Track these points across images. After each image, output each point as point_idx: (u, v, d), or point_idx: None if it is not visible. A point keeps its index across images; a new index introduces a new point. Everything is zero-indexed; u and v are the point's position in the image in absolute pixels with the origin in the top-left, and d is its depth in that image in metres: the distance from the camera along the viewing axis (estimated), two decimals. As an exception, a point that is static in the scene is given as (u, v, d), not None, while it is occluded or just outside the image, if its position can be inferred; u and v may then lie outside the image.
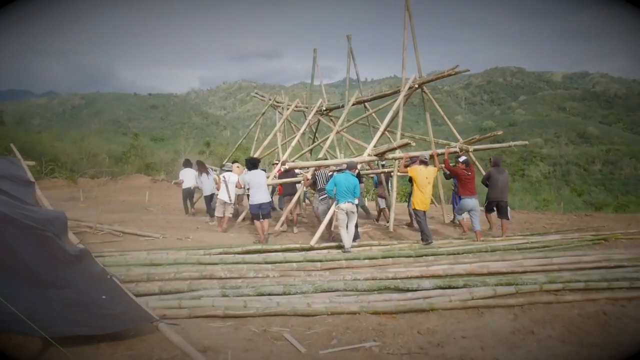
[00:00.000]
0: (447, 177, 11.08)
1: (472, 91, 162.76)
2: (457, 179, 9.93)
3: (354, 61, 13.71)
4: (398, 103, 11.13)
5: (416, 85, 11.91)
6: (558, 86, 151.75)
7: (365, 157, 10.09)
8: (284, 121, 15.74)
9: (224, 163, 14.35)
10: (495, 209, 9.90)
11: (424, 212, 9.03)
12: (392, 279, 6.15)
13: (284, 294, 5.50)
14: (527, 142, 14.46)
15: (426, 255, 7.62)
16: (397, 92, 12.51)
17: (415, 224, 10.36)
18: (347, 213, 8.32)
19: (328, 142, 12.56)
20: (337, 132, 12.35)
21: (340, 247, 8.35)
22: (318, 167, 10.31)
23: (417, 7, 11.78)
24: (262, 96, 18.37)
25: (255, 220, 9.72)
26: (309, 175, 10.43)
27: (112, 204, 19.31)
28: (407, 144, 9.42)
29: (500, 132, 13.56)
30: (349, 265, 6.64)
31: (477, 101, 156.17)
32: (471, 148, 10.14)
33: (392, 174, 11.67)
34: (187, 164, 14.44)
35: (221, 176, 11.18)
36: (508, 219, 9.96)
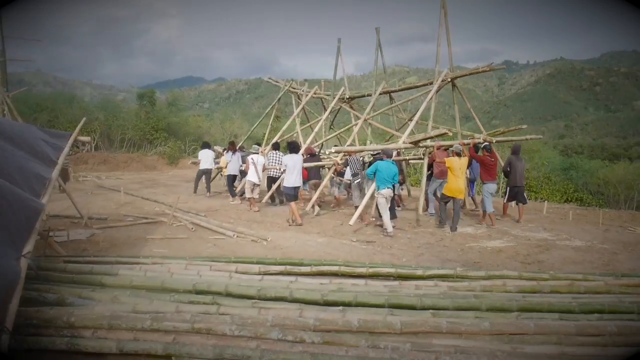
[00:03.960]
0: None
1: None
2: (481, 165, 10.03)
3: (382, 53, 14.12)
4: (432, 94, 11.41)
5: (449, 79, 12.11)
6: None
7: (400, 144, 10.37)
8: (302, 108, 16.20)
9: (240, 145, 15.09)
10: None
11: (452, 199, 9.27)
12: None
13: (315, 386, 3.00)
14: (541, 137, 14.99)
15: (600, 311, 4.42)
16: (427, 84, 13.67)
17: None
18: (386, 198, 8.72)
19: (356, 129, 12.69)
20: (365, 120, 12.69)
21: (445, 276, 5.62)
22: (352, 153, 10.45)
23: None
24: (277, 82, 18.31)
25: (290, 202, 9.83)
26: (339, 160, 10.86)
27: (227, 187, 18.37)
28: (444, 134, 10.15)
29: (524, 127, 13.76)
30: (452, 329, 3.78)
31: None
32: (494, 139, 10.79)
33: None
34: (206, 145, 14.77)
35: (249, 158, 11.23)
36: (526, 203, 10.74)
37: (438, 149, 10.48)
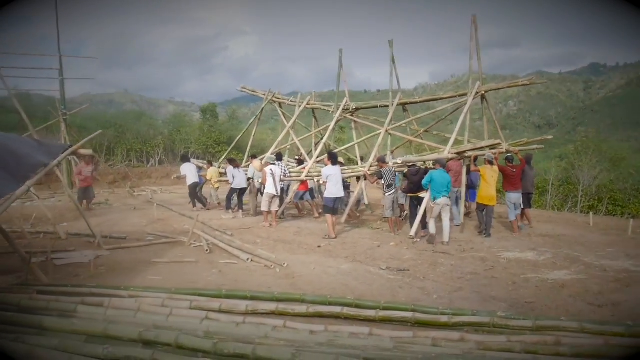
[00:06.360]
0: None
1: None
2: (503, 175, 10.09)
3: (395, 65, 13.49)
4: (467, 108, 11.40)
5: (483, 92, 11.96)
6: None
7: (446, 154, 10.37)
8: (286, 117, 16.03)
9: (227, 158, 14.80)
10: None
11: (492, 207, 9.69)
12: None
13: None
14: (542, 146, 14.06)
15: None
16: (453, 97, 13.81)
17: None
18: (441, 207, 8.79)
19: (379, 140, 12.52)
20: (386, 131, 12.56)
21: (478, 324, 4.31)
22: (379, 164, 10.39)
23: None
24: (254, 91, 17.55)
25: (327, 215, 9.54)
26: (367, 171, 10.88)
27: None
28: (498, 144, 10.28)
29: (550, 137, 13.23)
30: None
31: None
32: (517, 149, 10.77)
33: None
34: (185, 159, 14.47)
35: (267, 169, 10.88)
36: (530, 207, 11.14)
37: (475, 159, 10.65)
